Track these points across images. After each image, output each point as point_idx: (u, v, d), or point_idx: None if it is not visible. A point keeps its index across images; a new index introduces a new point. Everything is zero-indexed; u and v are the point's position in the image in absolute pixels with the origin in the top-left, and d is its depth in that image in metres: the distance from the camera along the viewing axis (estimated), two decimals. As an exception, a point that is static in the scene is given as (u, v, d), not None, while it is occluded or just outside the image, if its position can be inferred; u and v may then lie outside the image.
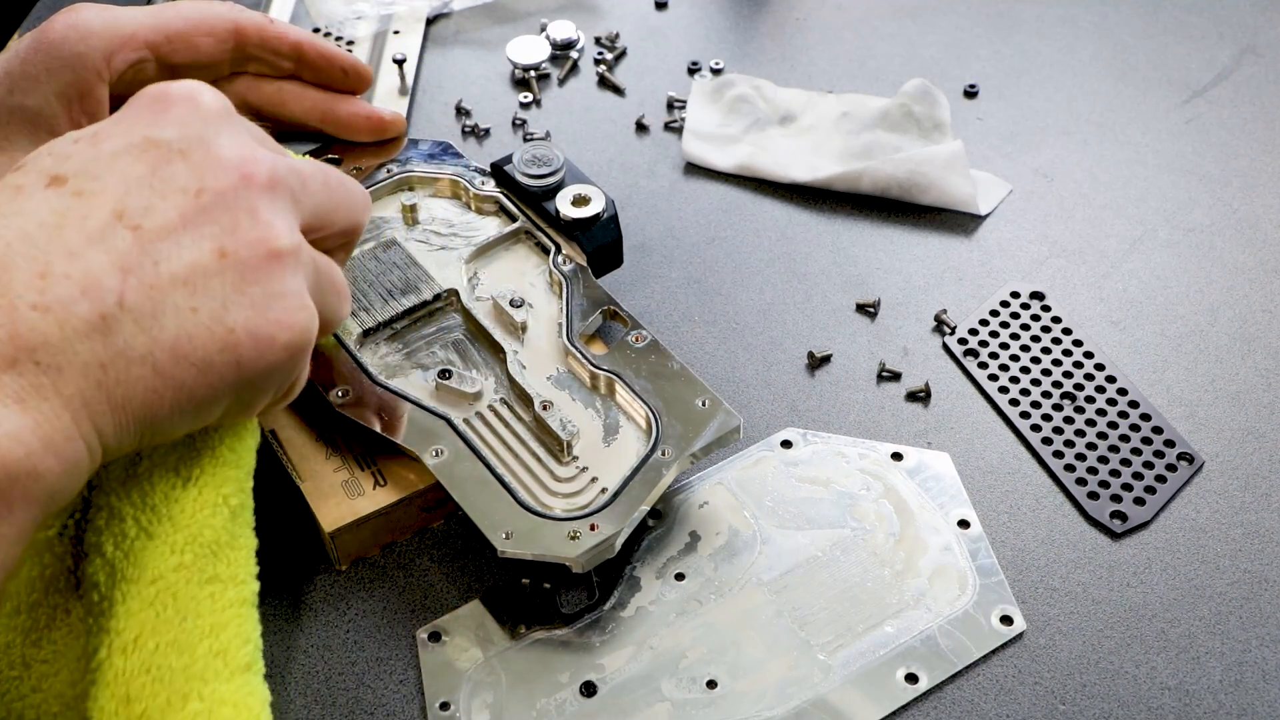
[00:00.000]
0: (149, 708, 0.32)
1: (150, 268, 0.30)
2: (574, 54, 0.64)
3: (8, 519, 0.28)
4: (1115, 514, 0.44)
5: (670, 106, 0.61)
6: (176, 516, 0.35)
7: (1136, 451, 0.46)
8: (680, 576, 0.42)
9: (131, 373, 0.30)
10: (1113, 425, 0.46)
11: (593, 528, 0.39)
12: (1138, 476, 0.45)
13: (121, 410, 0.30)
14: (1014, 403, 0.47)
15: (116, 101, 0.47)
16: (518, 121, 0.61)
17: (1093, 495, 0.44)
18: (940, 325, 0.51)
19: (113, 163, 0.32)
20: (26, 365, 0.28)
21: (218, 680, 0.33)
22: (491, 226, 0.50)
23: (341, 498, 0.41)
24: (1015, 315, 0.51)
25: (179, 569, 0.34)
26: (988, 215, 0.56)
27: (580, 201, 0.48)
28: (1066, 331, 0.50)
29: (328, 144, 0.54)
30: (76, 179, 0.31)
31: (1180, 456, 0.45)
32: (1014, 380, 0.48)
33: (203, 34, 0.48)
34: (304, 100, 0.52)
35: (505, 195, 0.51)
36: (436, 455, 0.41)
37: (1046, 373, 0.48)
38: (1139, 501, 0.44)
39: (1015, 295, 0.52)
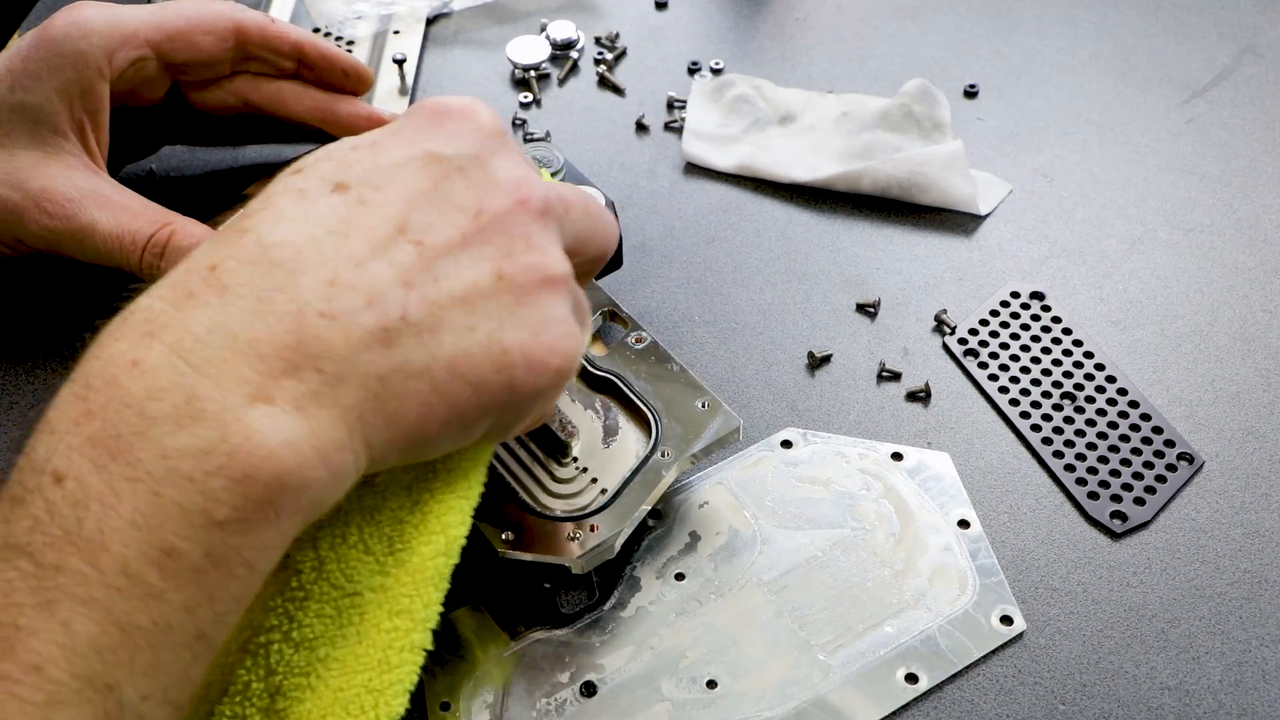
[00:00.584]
0: (290, 709, 0.32)
1: (431, 284, 0.31)
2: (574, 54, 0.64)
3: (275, 526, 0.28)
4: (1115, 514, 0.44)
5: (670, 106, 0.61)
6: (394, 538, 0.34)
7: (1136, 451, 0.46)
8: (680, 576, 0.42)
9: (409, 387, 0.30)
10: (1113, 425, 0.46)
11: (592, 529, 0.39)
12: (1138, 476, 0.45)
13: (394, 423, 0.30)
14: (1014, 403, 0.47)
15: (116, 98, 0.47)
16: (518, 121, 0.61)
17: (1093, 495, 0.44)
18: (940, 325, 0.51)
19: (395, 173, 0.32)
20: (309, 372, 0.28)
21: (360, 717, 0.32)
22: (491, 227, 0.50)
23: (341, 498, 0.41)
24: (1015, 315, 0.51)
25: (377, 590, 0.33)
26: (988, 215, 0.56)
27: (580, 202, 0.48)
28: (1066, 331, 0.50)
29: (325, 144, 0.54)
30: (359, 187, 0.32)
31: (1180, 456, 0.45)
32: (1014, 380, 0.48)
33: (203, 32, 0.48)
34: (304, 100, 0.52)
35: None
36: (436, 456, 0.41)
37: (1046, 373, 0.48)
38: (1139, 501, 0.44)
39: (1015, 295, 0.52)
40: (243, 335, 0.28)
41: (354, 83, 0.53)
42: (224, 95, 0.51)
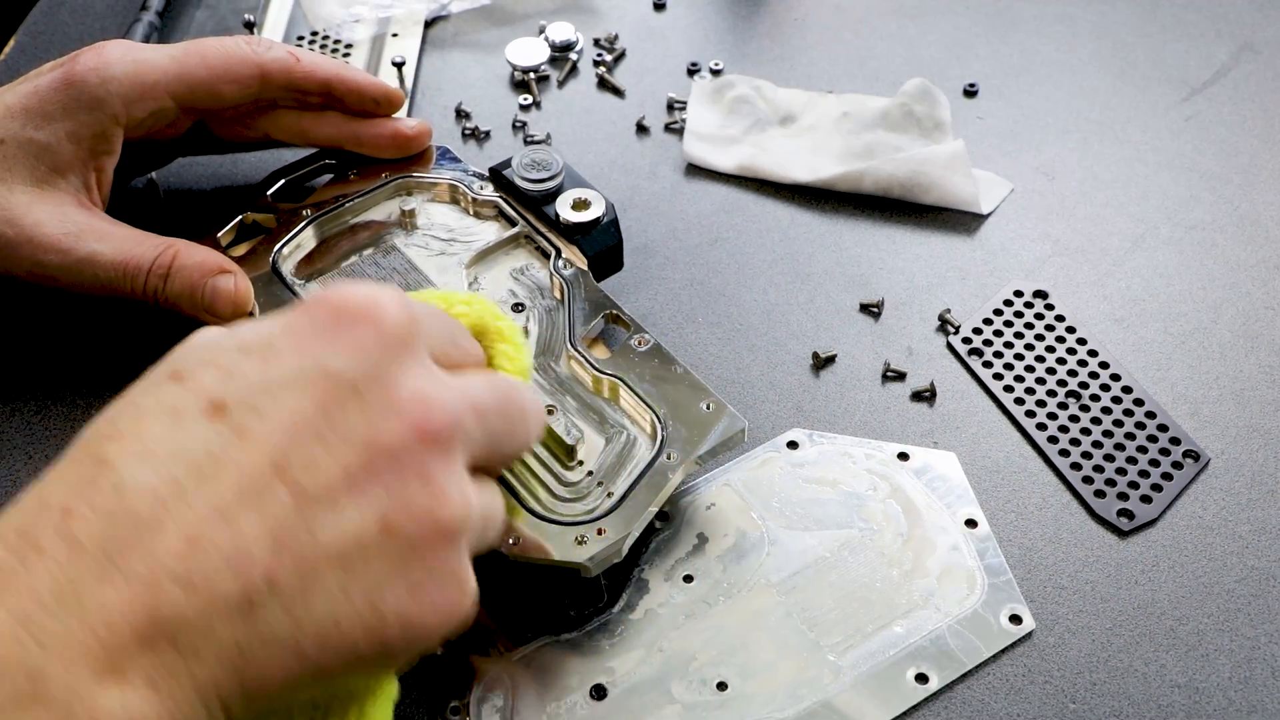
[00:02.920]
0: None
1: (306, 539, 0.27)
2: (573, 56, 0.64)
3: None
4: (1122, 512, 0.44)
5: (670, 108, 0.61)
6: None
7: (1142, 449, 0.46)
8: (689, 578, 0.41)
9: (269, 656, 0.27)
10: (1118, 423, 0.46)
11: (600, 532, 0.39)
12: (1144, 474, 0.45)
13: (254, 693, 0.27)
14: (1019, 401, 0.47)
15: (135, 134, 0.47)
16: (518, 124, 0.60)
17: (1099, 493, 0.44)
18: (944, 325, 0.50)
19: (280, 395, 0.28)
20: (163, 645, 0.26)
21: None
22: (491, 231, 0.50)
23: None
24: (1019, 314, 0.51)
25: None
26: (990, 214, 0.56)
27: (580, 206, 0.48)
28: (1070, 330, 0.50)
29: (348, 160, 0.53)
30: (238, 410, 0.28)
31: (1186, 454, 0.45)
32: (1019, 379, 0.48)
33: (227, 81, 0.48)
34: (325, 128, 0.51)
35: (504, 200, 0.50)
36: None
37: (1051, 371, 0.48)
38: (1146, 499, 0.44)
39: (1019, 294, 0.52)
40: (91, 603, 0.25)
41: (385, 109, 0.52)
42: (246, 131, 0.51)
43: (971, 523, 0.43)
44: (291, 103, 0.51)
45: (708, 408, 0.42)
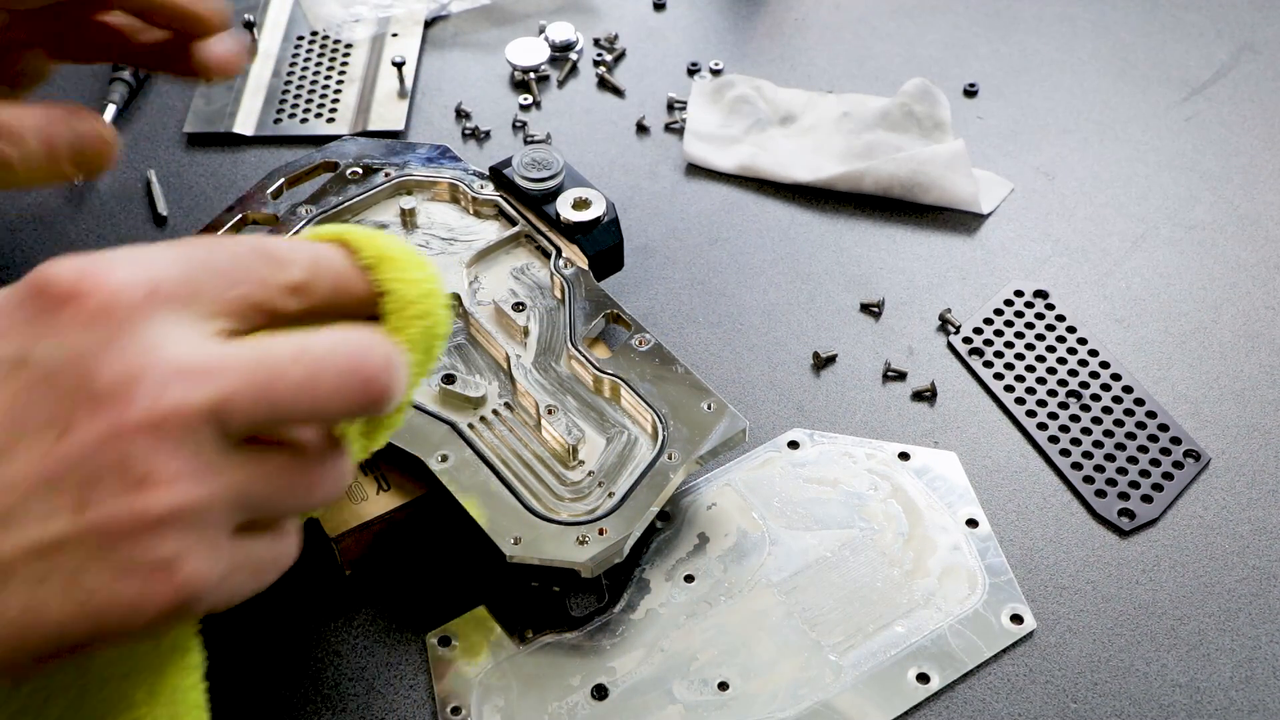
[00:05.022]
0: None
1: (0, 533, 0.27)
2: (573, 56, 0.64)
3: None
4: (1123, 511, 0.44)
5: (670, 108, 0.61)
6: None
7: (1143, 449, 0.46)
8: (690, 578, 0.41)
9: None
10: (1119, 423, 0.46)
11: (601, 532, 0.39)
12: (1145, 474, 0.45)
13: None
14: (1020, 401, 0.47)
15: None
16: (518, 124, 0.60)
17: (1100, 493, 0.44)
18: (945, 324, 0.50)
19: None
20: None
21: None
22: (491, 231, 0.50)
23: (345, 503, 0.41)
24: (1019, 314, 0.51)
25: None
26: (990, 214, 0.56)
27: (581, 205, 0.48)
28: (1071, 330, 0.50)
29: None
30: None
31: (1187, 453, 0.45)
32: (1019, 379, 0.48)
33: None
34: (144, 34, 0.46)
35: (504, 199, 0.50)
36: (442, 460, 0.41)
37: (1052, 371, 0.48)
38: (1146, 499, 0.44)
39: (1019, 294, 0.52)
40: None
41: (209, 26, 0.45)
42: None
43: (972, 522, 0.43)
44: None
45: (709, 408, 0.42)
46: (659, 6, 0.68)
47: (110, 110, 0.58)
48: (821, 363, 0.49)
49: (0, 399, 0.27)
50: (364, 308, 0.32)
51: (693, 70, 0.63)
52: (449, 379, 0.44)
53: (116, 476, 0.27)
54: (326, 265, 0.32)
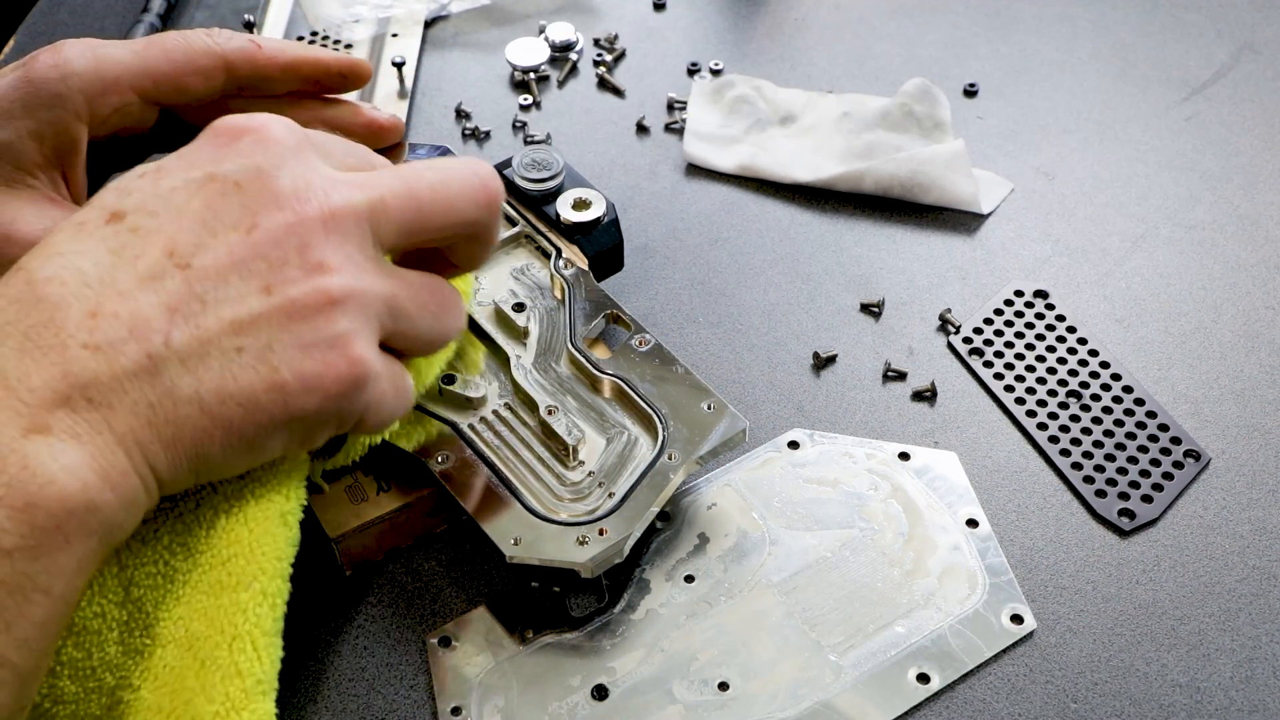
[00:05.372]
0: None
1: (197, 308, 0.31)
2: (573, 56, 0.64)
3: (66, 550, 0.28)
4: (1123, 511, 0.44)
5: (670, 108, 0.61)
6: (204, 552, 0.35)
7: (1143, 449, 0.46)
8: (690, 579, 0.41)
9: (179, 412, 0.30)
10: (1119, 423, 0.46)
11: (601, 532, 0.39)
12: (1145, 474, 0.45)
13: (173, 448, 0.30)
14: (1020, 401, 0.47)
15: (103, 132, 0.47)
16: (518, 124, 0.60)
17: (1100, 493, 0.44)
18: (945, 324, 0.50)
19: (170, 198, 0.32)
20: (80, 403, 0.29)
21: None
22: (493, 230, 0.50)
23: (345, 503, 0.41)
24: (1019, 314, 0.51)
25: (195, 609, 0.34)
26: (990, 214, 0.56)
27: (581, 205, 0.48)
28: (1071, 330, 0.50)
29: None
30: (135, 215, 0.32)
31: (1187, 453, 0.45)
32: (1019, 379, 0.48)
33: (190, 74, 0.47)
34: (298, 113, 0.51)
35: (504, 199, 0.50)
36: (442, 461, 0.41)
37: (1052, 371, 0.48)
38: (1146, 499, 0.44)
39: (1019, 294, 0.52)
40: (13, 372, 0.29)
41: (352, 81, 0.51)
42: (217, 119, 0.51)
43: (972, 522, 0.43)
44: (261, 92, 0.51)
45: (709, 408, 0.42)
46: (659, 6, 0.68)
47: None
48: (821, 363, 0.49)
49: (196, 204, 0.32)
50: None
51: (693, 70, 0.63)
52: (449, 379, 0.44)
53: (298, 262, 0.32)
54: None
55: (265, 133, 0.34)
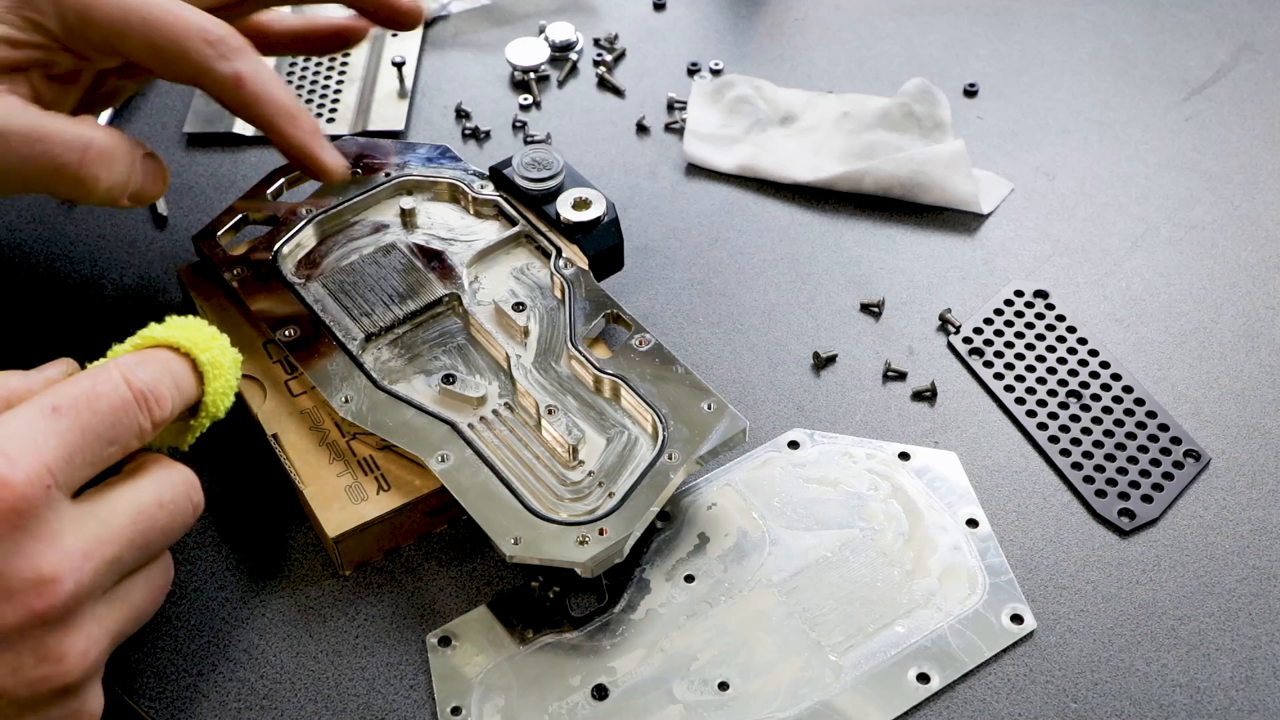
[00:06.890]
0: None
1: None
2: (573, 56, 0.64)
3: None
4: (1123, 511, 0.44)
5: (671, 108, 0.61)
6: None
7: (1143, 449, 0.46)
8: (690, 578, 0.41)
9: None
10: (1119, 423, 0.46)
11: (601, 532, 0.39)
12: (1145, 474, 0.45)
13: None
14: (1020, 401, 0.47)
15: None
16: (518, 124, 0.60)
17: (1100, 493, 0.44)
18: (945, 324, 0.50)
19: None
20: None
21: None
22: (491, 231, 0.50)
23: (345, 502, 0.41)
24: (1019, 314, 0.51)
25: None
26: (990, 214, 0.56)
27: (581, 205, 0.48)
28: (1071, 330, 0.50)
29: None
30: None
31: (1187, 453, 0.45)
32: (1019, 379, 0.48)
33: None
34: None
35: (504, 199, 0.50)
36: (442, 460, 0.41)
37: (1052, 371, 0.48)
38: (1146, 499, 0.44)
39: (1019, 294, 0.52)
40: None
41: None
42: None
43: (972, 522, 0.43)
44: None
45: (709, 408, 0.42)
46: (659, 6, 0.68)
47: (107, 111, 0.58)
48: (821, 363, 0.49)
49: None
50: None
51: (693, 70, 0.63)
52: (449, 379, 0.44)
53: (34, 661, 0.31)
54: (185, 388, 0.37)
55: (6, 502, 0.30)
